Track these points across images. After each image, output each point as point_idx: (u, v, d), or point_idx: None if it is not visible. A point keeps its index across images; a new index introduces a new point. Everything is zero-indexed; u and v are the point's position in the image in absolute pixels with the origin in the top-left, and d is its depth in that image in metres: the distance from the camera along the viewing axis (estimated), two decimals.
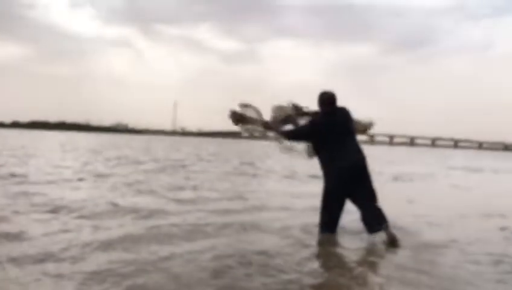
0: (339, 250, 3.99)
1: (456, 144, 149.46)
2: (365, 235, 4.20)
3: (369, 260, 3.66)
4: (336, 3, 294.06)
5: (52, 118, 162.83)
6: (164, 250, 3.71)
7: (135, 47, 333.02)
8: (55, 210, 5.25)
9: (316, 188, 4.76)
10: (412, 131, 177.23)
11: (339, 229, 4.35)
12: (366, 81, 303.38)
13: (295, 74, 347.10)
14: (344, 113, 4.30)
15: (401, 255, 3.76)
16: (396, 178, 12.18)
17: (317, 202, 4.42)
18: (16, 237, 3.96)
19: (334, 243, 4.16)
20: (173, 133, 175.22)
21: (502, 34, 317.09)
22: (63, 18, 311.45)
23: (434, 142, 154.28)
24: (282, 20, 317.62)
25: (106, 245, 3.79)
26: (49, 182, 8.03)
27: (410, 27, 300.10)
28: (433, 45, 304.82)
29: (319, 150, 4.25)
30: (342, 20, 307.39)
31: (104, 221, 4.80)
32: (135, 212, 5.37)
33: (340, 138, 4.12)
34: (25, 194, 6.46)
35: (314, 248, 4.01)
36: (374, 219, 4.00)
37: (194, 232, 4.40)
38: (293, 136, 4.31)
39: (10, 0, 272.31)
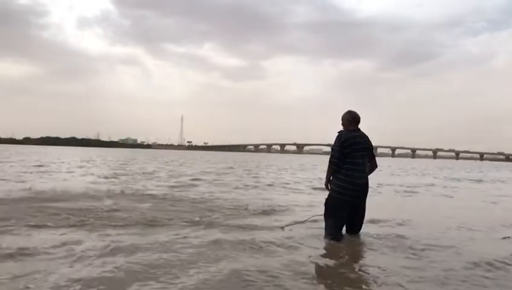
0: (345, 255, 3.98)
1: (457, 155, 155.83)
2: (370, 240, 4.48)
3: (377, 265, 3.58)
4: (336, 19, 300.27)
5: (63, 134, 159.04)
6: None
7: (142, 65, 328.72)
8: None
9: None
10: (413, 143, 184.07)
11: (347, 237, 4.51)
12: (367, 95, 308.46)
13: (297, 89, 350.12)
14: (366, 136, 4.54)
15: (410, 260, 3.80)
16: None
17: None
18: None
19: (341, 249, 4.16)
20: (180, 146, 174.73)
21: (500, 47, 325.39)
22: (73, 38, 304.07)
23: (435, 154, 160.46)
24: (283, 38, 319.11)
25: None
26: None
27: (409, 42, 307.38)
28: (433, 59, 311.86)
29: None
30: (342, 36, 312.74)
31: None
32: None
33: (359, 156, 4.36)
34: None
35: (320, 256, 3.92)
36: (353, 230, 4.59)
37: None
38: (335, 166, 4.39)
39: (25, 21, 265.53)
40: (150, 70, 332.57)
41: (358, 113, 4.55)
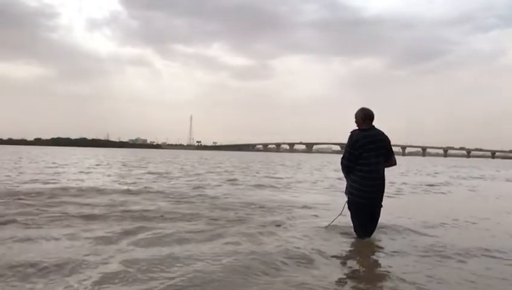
0: (370, 252, 4.02)
1: (468, 153, 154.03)
2: (397, 239, 4.50)
3: (401, 263, 3.61)
4: (345, 17, 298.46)
5: (73, 135, 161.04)
6: None
7: (151, 65, 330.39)
8: None
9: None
10: (424, 141, 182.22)
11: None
12: (376, 93, 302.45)
13: (305, 88, 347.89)
14: (381, 134, 4.36)
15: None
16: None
17: None
18: None
19: (368, 246, 4.19)
20: (189, 146, 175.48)
21: (511, 44, 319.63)
22: (83, 39, 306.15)
23: (446, 152, 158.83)
24: (292, 36, 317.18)
25: None
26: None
27: (418, 39, 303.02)
28: (443, 56, 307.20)
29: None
30: (351, 34, 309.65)
31: None
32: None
33: (372, 156, 4.21)
34: None
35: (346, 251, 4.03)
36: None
37: None
38: (346, 167, 4.37)
39: (35, 23, 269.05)
40: (159, 71, 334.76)
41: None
